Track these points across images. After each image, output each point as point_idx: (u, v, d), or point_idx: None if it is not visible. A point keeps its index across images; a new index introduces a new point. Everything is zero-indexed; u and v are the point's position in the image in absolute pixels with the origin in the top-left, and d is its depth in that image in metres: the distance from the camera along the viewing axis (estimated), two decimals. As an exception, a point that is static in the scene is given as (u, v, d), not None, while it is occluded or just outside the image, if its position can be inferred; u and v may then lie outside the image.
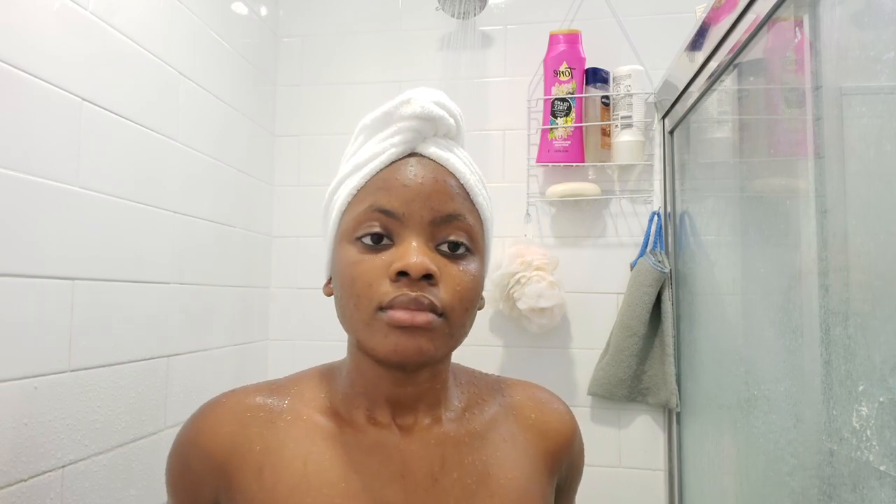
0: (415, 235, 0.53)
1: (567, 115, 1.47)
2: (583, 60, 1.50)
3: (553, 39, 1.51)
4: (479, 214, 0.58)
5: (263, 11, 1.61)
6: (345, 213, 0.58)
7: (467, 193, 0.57)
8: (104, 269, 0.99)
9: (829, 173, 0.76)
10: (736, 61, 1.04)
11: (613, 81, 1.51)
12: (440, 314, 0.52)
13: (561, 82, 1.48)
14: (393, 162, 0.57)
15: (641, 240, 1.50)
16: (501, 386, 0.67)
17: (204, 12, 1.30)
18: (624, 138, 1.47)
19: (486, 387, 0.66)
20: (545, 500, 0.60)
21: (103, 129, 0.99)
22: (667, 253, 1.46)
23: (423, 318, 0.51)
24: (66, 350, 0.91)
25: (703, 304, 1.31)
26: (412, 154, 0.57)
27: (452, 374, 0.64)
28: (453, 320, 0.53)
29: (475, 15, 1.57)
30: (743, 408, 1.04)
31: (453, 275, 0.54)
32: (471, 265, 0.56)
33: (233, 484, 0.55)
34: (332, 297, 0.62)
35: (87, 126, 0.95)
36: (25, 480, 0.83)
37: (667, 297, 1.41)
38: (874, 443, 0.64)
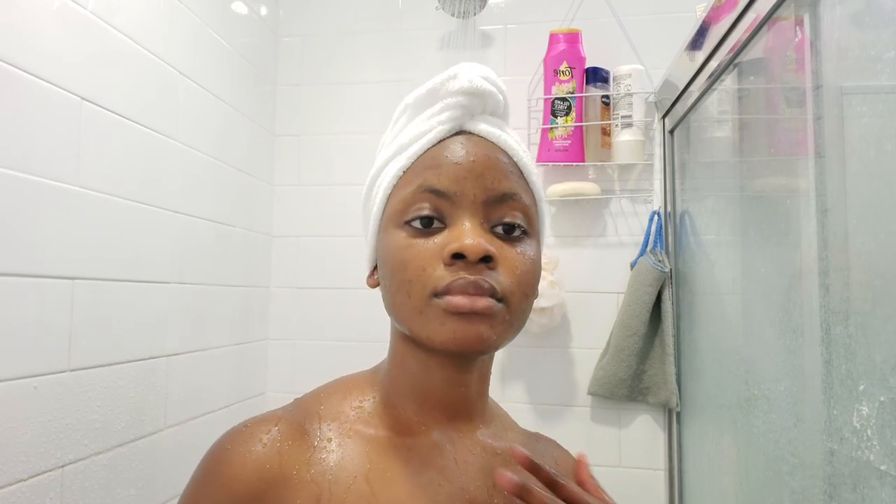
0: (468, 216, 0.49)
1: (567, 114, 1.47)
2: (583, 60, 1.50)
3: (553, 39, 1.51)
4: (533, 195, 0.54)
5: (263, 11, 1.61)
6: (391, 196, 0.54)
7: (521, 172, 0.53)
8: (104, 268, 0.99)
9: (829, 173, 0.76)
10: (736, 61, 1.04)
11: (613, 81, 1.51)
12: (500, 299, 0.48)
13: (561, 82, 1.48)
14: (441, 140, 0.53)
15: (641, 239, 1.50)
16: (535, 435, 0.64)
17: (204, 12, 1.30)
18: (624, 138, 1.47)
19: (508, 420, 0.63)
20: None
21: (103, 128, 0.99)
22: (667, 252, 1.46)
23: (484, 303, 0.47)
24: (66, 350, 0.91)
25: (704, 303, 1.31)
26: (460, 132, 0.53)
27: (493, 404, 0.61)
28: (513, 306, 0.49)
29: (475, 14, 1.57)
30: (743, 407, 1.04)
31: (512, 258, 0.50)
32: (529, 248, 0.51)
33: None
34: (378, 287, 0.58)
35: (87, 126, 0.95)
36: (25, 480, 0.83)
37: (667, 296, 1.41)
38: (875, 442, 0.64)
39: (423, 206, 0.50)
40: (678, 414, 1.42)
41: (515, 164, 0.53)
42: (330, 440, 0.51)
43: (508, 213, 0.51)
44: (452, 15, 1.57)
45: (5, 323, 0.80)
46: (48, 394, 0.87)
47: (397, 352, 0.56)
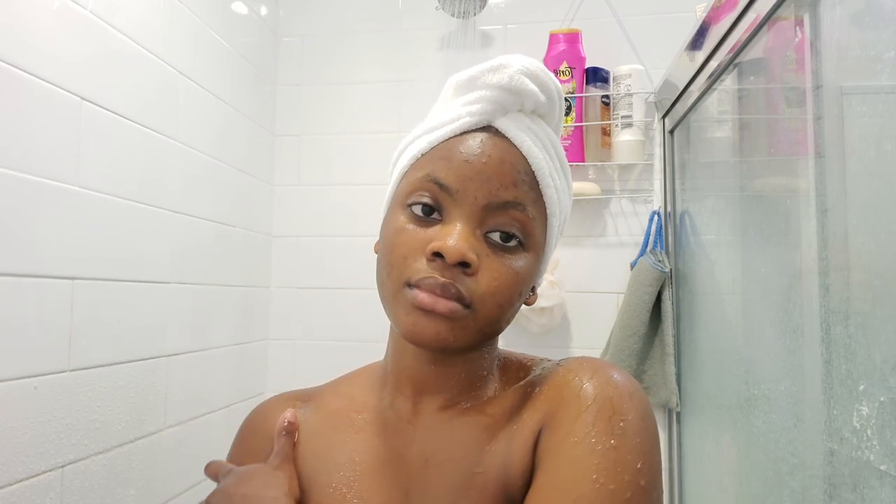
0: (464, 217, 0.49)
1: (567, 114, 1.47)
2: (583, 60, 1.50)
3: (553, 39, 1.51)
4: (544, 206, 0.53)
5: (263, 11, 1.61)
6: (404, 175, 0.54)
7: (536, 182, 0.52)
8: (104, 269, 0.99)
9: (829, 173, 0.76)
10: (736, 61, 1.04)
11: (613, 81, 1.51)
12: (467, 305, 0.48)
13: (561, 82, 1.48)
14: (464, 132, 0.52)
15: (641, 239, 1.50)
16: (551, 362, 0.57)
17: (204, 12, 1.30)
18: (624, 138, 1.47)
19: (530, 363, 0.58)
20: (503, 488, 0.49)
21: (103, 128, 0.99)
22: (667, 252, 1.46)
23: (446, 305, 0.48)
24: (66, 350, 0.91)
25: (704, 303, 1.31)
26: (487, 127, 0.52)
27: (502, 364, 0.59)
28: (482, 314, 0.49)
29: (475, 14, 1.57)
30: (743, 407, 1.04)
31: (493, 268, 0.49)
32: (518, 261, 0.51)
33: None
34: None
35: (87, 126, 0.95)
36: (25, 480, 0.83)
37: (667, 296, 1.41)
38: (875, 442, 0.64)
39: (424, 195, 0.51)
40: (678, 414, 1.42)
41: (532, 173, 0.51)
42: (323, 413, 0.60)
43: (506, 223, 0.50)
44: (452, 15, 1.57)
45: (5, 323, 0.80)
46: (48, 394, 0.87)
47: (392, 331, 0.60)
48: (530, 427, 0.50)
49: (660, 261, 1.42)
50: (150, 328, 1.12)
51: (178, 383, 1.21)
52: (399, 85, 1.63)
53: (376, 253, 0.57)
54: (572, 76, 1.48)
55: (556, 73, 1.48)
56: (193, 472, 1.26)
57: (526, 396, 0.53)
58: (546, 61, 1.51)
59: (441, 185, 0.50)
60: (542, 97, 0.53)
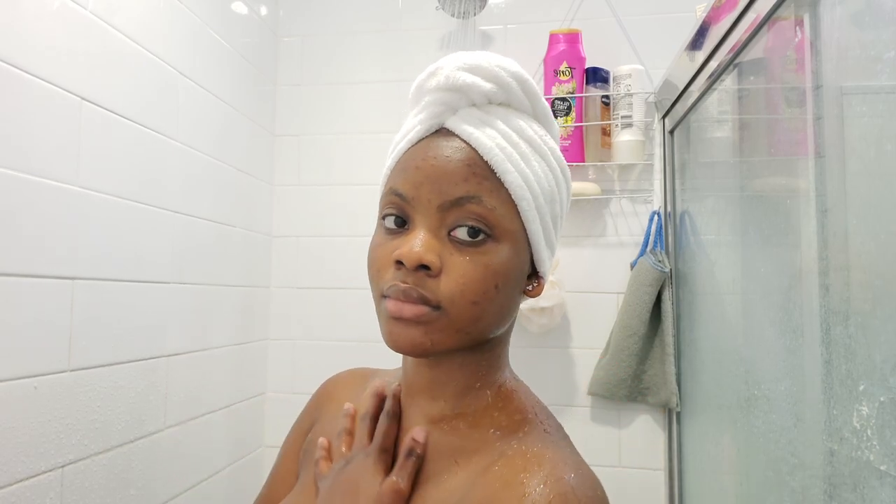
0: (423, 222, 0.50)
1: (567, 114, 1.47)
2: (583, 60, 1.50)
3: (553, 39, 1.51)
4: (507, 194, 0.51)
5: (263, 11, 1.61)
6: (383, 188, 0.56)
7: (492, 171, 0.50)
8: (104, 269, 0.99)
9: (829, 173, 0.76)
10: (736, 61, 1.04)
11: (613, 81, 1.51)
12: (436, 307, 0.48)
13: (561, 82, 1.48)
14: (421, 140, 0.53)
15: (641, 239, 1.50)
16: (539, 436, 0.51)
17: (204, 12, 1.30)
18: (624, 138, 1.47)
19: (524, 420, 0.53)
20: None
21: (103, 128, 0.99)
22: (667, 252, 1.46)
23: (412, 310, 0.48)
24: (66, 350, 0.91)
25: (704, 303, 1.31)
26: (440, 130, 0.52)
27: (506, 395, 0.55)
28: (454, 314, 0.49)
29: (475, 14, 1.57)
30: (743, 407, 1.04)
31: (458, 265, 0.49)
32: (488, 254, 0.50)
33: (315, 423, 0.67)
34: None
35: (87, 126, 0.95)
36: (25, 480, 0.83)
37: (667, 296, 1.41)
38: (875, 442, 0.64)
39: (391, 209, 0.52)
40: (678, 414, 1.42)
41: (485, 163, 0.50)
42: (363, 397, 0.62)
43: (464, 218, 0.49)
44: (452, 15, 1.57)
45: (5, 323, 0.80)
46: (48, 394, 0.87)
47: None
48: None
49: (660, 261, 1.42)
50: (150, 328, 1.12)
51: (178, 383, 1.21)
52: (399, 85, 1.63)
53: None
54: (572, 76, 1.48)
55: (556, 73, 1.48)
56: (193, 472, 1.26)
57: (492, 463, 0.49)
58: (546, 61, 1.51)
59: (400, 196, 0.51)
60: (486, 86, 0.52)
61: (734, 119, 1.16)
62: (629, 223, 1.53)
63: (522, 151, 0.52)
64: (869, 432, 0.64)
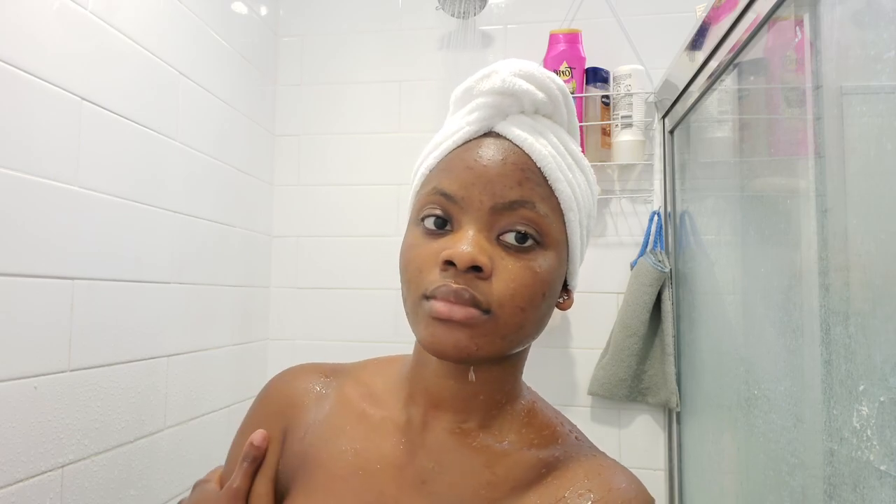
0: (473, 223, 0.49)
1: (567, 114, 1.47)
2: (583, 60, 1.50)
3: (553, 39, 1.51)
4: (557, 202, 0.51)
5: (263, 11, 1.61)
6: (418, 191, 0.55)
7: (545, 179, 0.50)
8: (104, 269, 0.99)
9: (829, 172, 0.76)
10: (736, 61, 1.04)
11: (613, 81, 1.51)
12: (486, 310, 0.47)
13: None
14: (467, 142, 0.52)
15: (641, 239, 1.50)
16: (575, 445, 0.54)
17: (204, 12, 1.30)
18: (624, 138, 1.47)
19: (554, 434, 0.55)
20: None
21: (103, 128, 0.99)
22: (667, 252, 1.46)
23: (462, 312, 0.47)
24: (66, 350, 0.91)
25: (704, 303, 1.31)
26: (489, 133, 0.52)
27: (530, 410, 0.56)
28: (503, 319, 0.48)
29: (475, 14, 1.57)
30: (743, 407, 1.04)
31: (509, 269, 0.48)
32: (537, 260, 0.49)
33: (288, 431, 0.60)
34: None
35: (87, 126, 0.95)
36: (25, 480, 0.83)
37: (667, 296, 1.41)
38: (874, 442, 0.64)
39: (434, 208, 0.51)
40: (678, 414, 1.42)
41: (538, 170, 0.50)
42: (335, 399, 0.60)
43: (517, 222, 0.49)
44: (452, 15, 1.57)
45: (5, 323, 0.80)
46: (48, 394, 0.87)
47: (415, 352, 0.59)
48: None
49: (660, 261, 1.42)
50: (150, 328, 1.12)
51: (178, 383, 1.21)
52: (399, 85, 1.63)
53: None
54: (572, 76, 1.48)
55: (556, 73, 1.48)
56: (193, 472, 1.26)
57: (540, 476, 0.51)
58: (546, 61, 1.51)
59: (447, 196, 0.50)
60: (539, 95, 0.53)
61: (734, 119, 1.16)
62: (629, 223, 1.53)
63: (569, 163, 0.53)
64: (869, 432, 0.64)
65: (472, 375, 0.54)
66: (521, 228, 0.49)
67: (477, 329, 0.48)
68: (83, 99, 0.95)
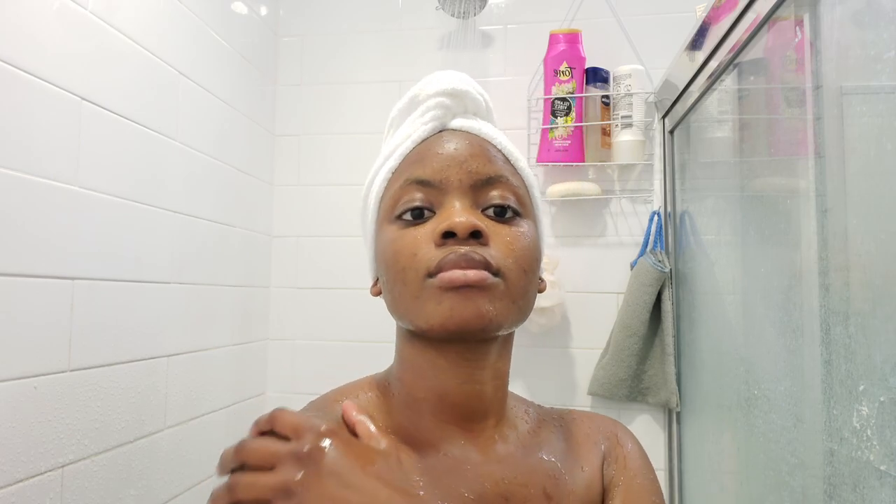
0: (456, 200, 0.50)
1: (567, 114, 1.47)
2: (583, 60, 1.50)
3: (553, 39, 1.51)
4: (522, 179, 0.55)
5: (263, 11, 1.61)
6: (382, 196, 0.55)
7: (507, 158, 0.54)
8: (104, 269, 0.99)
9: (829, 172, 0.76)
10: (736, 61, 1.04)
11: (613, 81, 1.51)
12: (495, 273, 0.47)
13: (561, 82, 1.48)
14: (424, 139, 0.54)
15: (641, 239, 1.50)
16: (563, 414, 0.63)
17: (204, 12, 1.30)
18: (624, 138, 1.47)
19: (544, 412, 0.62)
20: None
21: (103, 128, 0.99)
22: (667, 252, 1.46)
23: (477, 274, 0.46)
24: (66, 350, 0.91)
25: (704, 303, 1.31)
26: (442, 131, 0.55)
27: (511, 397, 0.59)
28: (512, 281, 0.48)
29: (475, 14, 1.57)
30: (743, 407, 1.04)
31: (505, 233, 0.50)
32: (522, 227, 0.51)
33: None
34: (380, 296, 0.56)
35: (86, 126, 0.95)
36: (25, 480, 0.83)
37: (667, 296, 1.41)
38: (874, 442, 0.64)
39: (411, 199, 0.51)
40: (678, 414, 1.42)
41: (500, 151, 0.54)
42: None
43: (497, 195, 0.51)
44: (452, 15, 1.57)
45: (5, 323, 0.80)
46: (48, 394, 0.87)
47: (406, 357, 0.54)
48: (593, 463, 0.57)
49: (660, 261, 1.42)
50: (150, 328, 1.12)
51: (178, 383, 1.21)
52: (399, 85, 1.63)
53: (375, 295, 0.57)
54: (572, 76, 1.48)
55: (556, 73, 1.48)
56: (193, 472, 1.26)
57: (570, 435, 0.59)
58: (546, 61, 1.51)
59: (423, 182, 0.51)
60: (477, 96, 0.56)
61: (734, 119, 1.16)
62: (629, 223, 1.53)
63: (516, 147, 0.57)
64: (869, 432, 0.64)
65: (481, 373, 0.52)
66: (502, 201, 0.51)
67: (492, 292, 0.47)
68: (83, 99, 0.95)
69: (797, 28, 0.83)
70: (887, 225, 0.65)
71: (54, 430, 0.88)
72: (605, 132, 1.52)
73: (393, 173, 0.55)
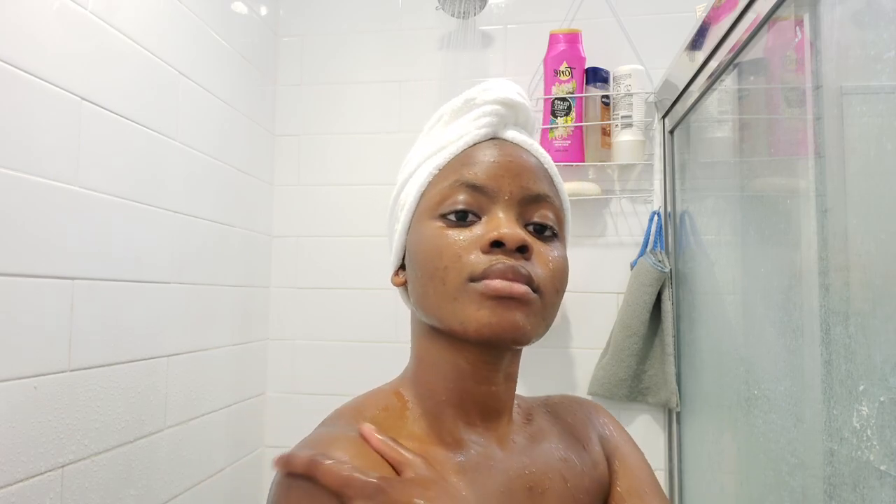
0: (504, 211, 0.51)
1: (567, 114, 1.47)
2: (583, 60, 1.50)
3: (553, 39, 1.51)
4: (562, 201, 0.56)
5: (263, 11, 1.61)
6: (425, 191, 0.55)
7: (552, 179, 0.56)
8: (104, 268, 0.99)
9: (829, 172, 0.76)
10: (736, 61, 1.04)
11: (613, 81, 1.51)
12: (535, 289, 0.49)
13: (561, 82, 1.48)
14: (476, 143, 0.55)
15: (641, 239, 1.50)
16: (544, 401, 0.67)
17: (204, 12, 1.30)
18: (624, 138, 1.47)
19: (529, 402, 0.65)
20: (602, 486, 0.60)
21: (103, 128, 0.99)
22: (667, 252, 1.46)
23: (521, 288, 0.47)
24: (66, 350, 0.91)
25: (704, 303, 1.31)
26: (493, 138, 0.56)
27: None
28: (546, 299, 0.50)
29: (475, 14, 1.57)
30: (743, 407, 1.04)
31: (545, 252, 0.51)
32: (558, 249, 0.53)
33: None
34: (402, 286, 0.58)
35: (86, 126, 0.95)
36: (25, 480, 0.83)
37: (667, 296, 1.41)
38: (874, 442, 0.64)
39: (459, 200, 0.52)
40: (678, 414, 1.42)
41: (546, 170, 0.55)
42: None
43: (541, 214, 0.52)
44: (452, 15, 1.57)
45: (5, 323, 0.80)
46: (48, 394, 0.87)
47: (424, 357, 0.56)
48: (592, 440, 0.62)
49: (660, 261, 1.42)
50: (150, 328, 1.12)
51: (178, 383, 1.21)
52: (399, 85, 1.63)
53: (398, 285, 0.58)
54: (572, 76, 1.48)
55: (556, 73, 1.48)
56: (193, 472, 1.26)
57: (560, 419, 0.63)
58: (546, 61, 1.51)
59: (474, 187, 0.52)
60: (529, 111, 0.58)
61: (734, 119, 1.16)
62: (629, 223, 1.53)
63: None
64: (869, 432, 0.64)
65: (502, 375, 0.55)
66: (545, 221, 0.53)
67: (530, 308, 0.49)
68: (83, 99, 0.95)
69: (797, 28, 0.83)
70: (887, 225, 0.65)
71: (54, 430, 0.88)
72: (605, 132, 1.52)
73: (440, 170, 0.55)
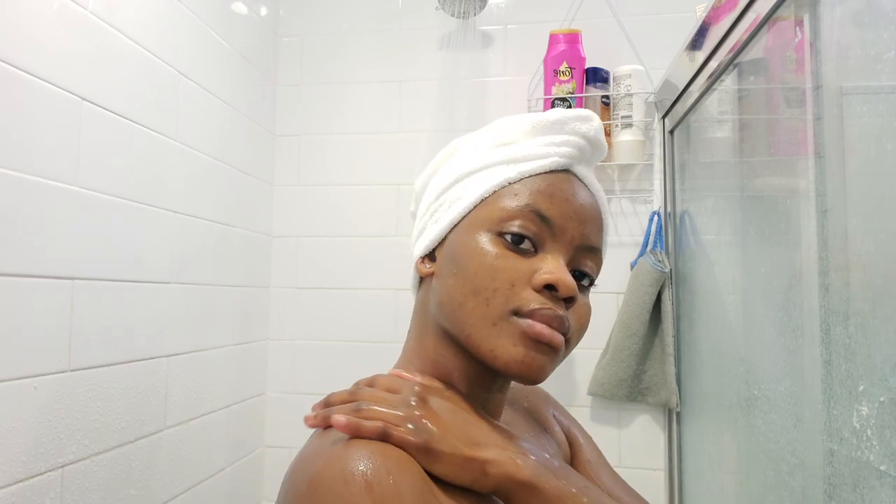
0: (560, 253, 0.51)
1: (567, 114, 1.47)
2: (583, 60, 1.50)
3: (553, 39, 1.51)
4: (602, 253, 0.57)
5: (263, 11, 1.61)
6: (488, 200, 0.53)
7: (604, 229, 0.57)
8: (104, 268, 0.99)
9: (829, 172, 0.76)
10: (736, 61, 1.04)
11: (613, 81, 1.51)
12: (567, 340, 0.51)
13: (561, 82, 1.48)
14: (552, 171, 0.54)
15: (641, 239, 1.50)
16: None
17: (204, 12, 1.30)
18: (624, 138, 1.47)
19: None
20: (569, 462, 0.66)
21: (103, 128, 0.99)
22: (667, 253, 1.46)
23: (560, 339, 0.49)
24: (66, 350, 0.91)
25: (704, 303, 1.31)
26: (567, 170, 0.55)
27: None
28: (570, 348, 0.52)
29: (475, 14, 1.57)
30: (743, 407, 1.04)
31: (580, 303, 0.52)
32: (588, 300, 0.55)
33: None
34: (427, 277, 0.57)
35: (87, 126, 0.95)
36: (25, 480, 0.83)
37: (667, 296, 1.41)
38: (874, 442, 0.64)
39: (525, 227, 0.51)
40: (678, 414, 1.42)
41: (603, 221, 0.56)
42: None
43: (589, 266, 0.54)
44: (452, 15, 1.57)
45: (5, 323, 0.80)
46: (48, 394, 0.87)
47: (433, 358, 0.55)
48: (552, 421, 0.68)
49: (660, 261, 1.42)
50: (150, 328, 1.12)
51: (178, 383, 1.21)
52: (399, 85, 1.63)
53: (425, 275, 0.56)
54: (572, 76, 1.48)
55: (556, 73, 1.48)
56: (193, 472, 1.26)
57: (521, 407, 0.67)
58: (546, 61, 1.51)
59: (543, 218, 0.51)
60: (604, 154, 0.59)
61: (734, 119, 1.16)
62: (629, 223, 1.53)
63: None
64: (869, 432, 0.64)
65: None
66: (591, 272, 0.54)
67: (557, 355, 0.50)
68: (83, 99, 0.95)
69: (797, 28, 0.83)
70: (887, 225, 0.65)
71: (54, 430, 0.88)
72: (605, 132, 1.52)
73: (511, 184, 0.53)
